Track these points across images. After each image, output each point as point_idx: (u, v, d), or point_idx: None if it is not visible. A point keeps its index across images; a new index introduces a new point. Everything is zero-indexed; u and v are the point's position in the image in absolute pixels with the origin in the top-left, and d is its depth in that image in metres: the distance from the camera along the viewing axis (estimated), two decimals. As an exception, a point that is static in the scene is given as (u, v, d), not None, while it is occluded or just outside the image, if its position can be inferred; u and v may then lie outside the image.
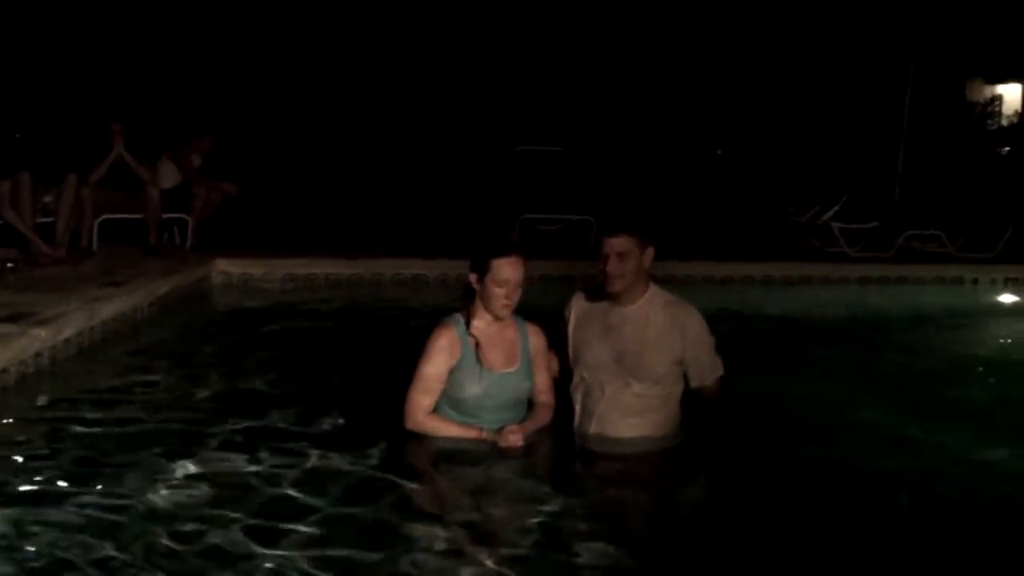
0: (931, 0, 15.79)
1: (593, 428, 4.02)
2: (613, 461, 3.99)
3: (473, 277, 3.91)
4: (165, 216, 8.70)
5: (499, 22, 15.54)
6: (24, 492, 3.46)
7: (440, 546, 3.15)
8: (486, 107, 15.37)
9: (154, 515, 3.29)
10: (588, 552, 3.14)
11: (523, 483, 3.72)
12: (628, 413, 3.98)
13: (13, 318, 5.33)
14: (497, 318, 3.92)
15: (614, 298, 3.99)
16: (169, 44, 13.51)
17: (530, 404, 4.08)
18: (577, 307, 4.19)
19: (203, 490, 3.52)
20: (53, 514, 3.26)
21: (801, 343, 6.98)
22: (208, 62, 13.79)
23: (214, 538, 3.13)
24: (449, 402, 3.95)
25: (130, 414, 4.47)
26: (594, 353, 4.03)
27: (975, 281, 9.81)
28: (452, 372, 3.90)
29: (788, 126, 16.03)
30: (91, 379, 5.14)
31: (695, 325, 4.01)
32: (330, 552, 3.06)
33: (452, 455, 3.86)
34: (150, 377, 5.24)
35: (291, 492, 3.54)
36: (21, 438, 4.13)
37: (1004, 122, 17.95)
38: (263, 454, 3.91)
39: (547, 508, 3.51)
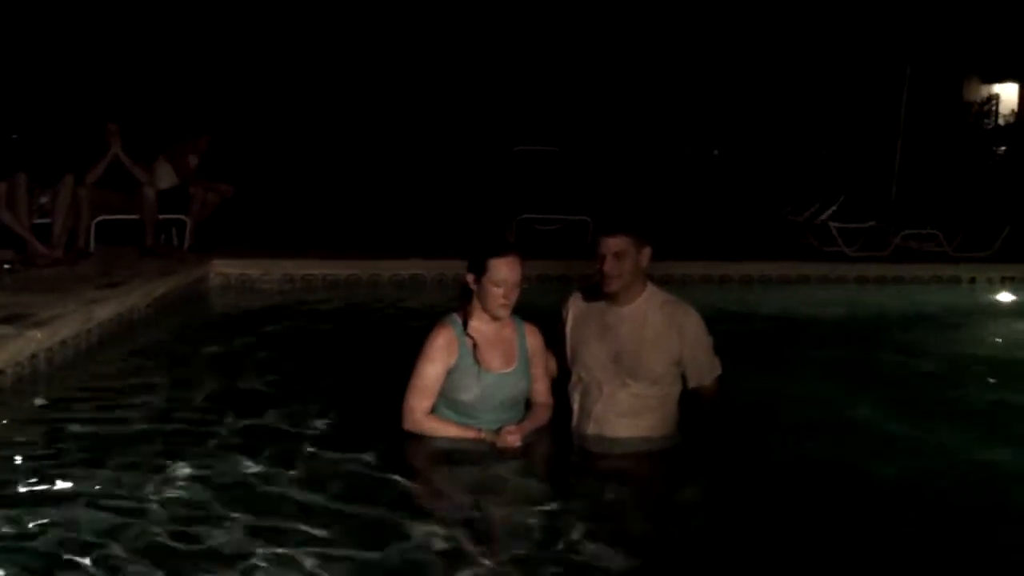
0: (928, 0, 15.82)
1: (591, 428, 4.02)
2: (611, 461, 3.99)
3: (470, 277, 3.91)
4: (162, 217, 8.69)
5: (496, 23, 15.54)
6: (21, 493, 3.46)
7: (438, 546, 3.15)
8: (483, 107, 15.37)
9: (151, 515, 3.29)
10: (586, 552, 3.13)
11: (521, 483, 3.72)
12: (626, 413, 3.98)
13: (9, 319, 5.32)
14: (495, 318, 3.92)
15: (611, 298, 3.99)
16: (166, 44, 13.50)
17: (528, 404, 4.08)
18: (574, 307, 4.18)
19: (200, 490, 3.52)
20: (50, 515, 3.26)
21: (799, 343, 6.98)
22: (205, 63, 13.78)
23: (210, 538, 3.13)
24: (447, 402, 3.94)
25: (127, 415, 4.46)
26: (592, 353, 4.03)
27: (972, 280, 9.82)
28: (450, 372, 3.90)
29: (785, 126, 16.05)
30: (88, 381, 5.14)
31: (693, 325, 4.01)
32: (327, 552, 3.06)
33: (450, 455, 3.85)
34: (147, 378, 5.23)
35: (288, 492, 3.54)
36: (18, 440, 4.13)
37: (1001, 121, 18.01)
38: (261, 455, 3.90)
39: (545, 508, 3.51)
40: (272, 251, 8.92)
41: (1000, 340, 7.78)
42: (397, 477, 3.69)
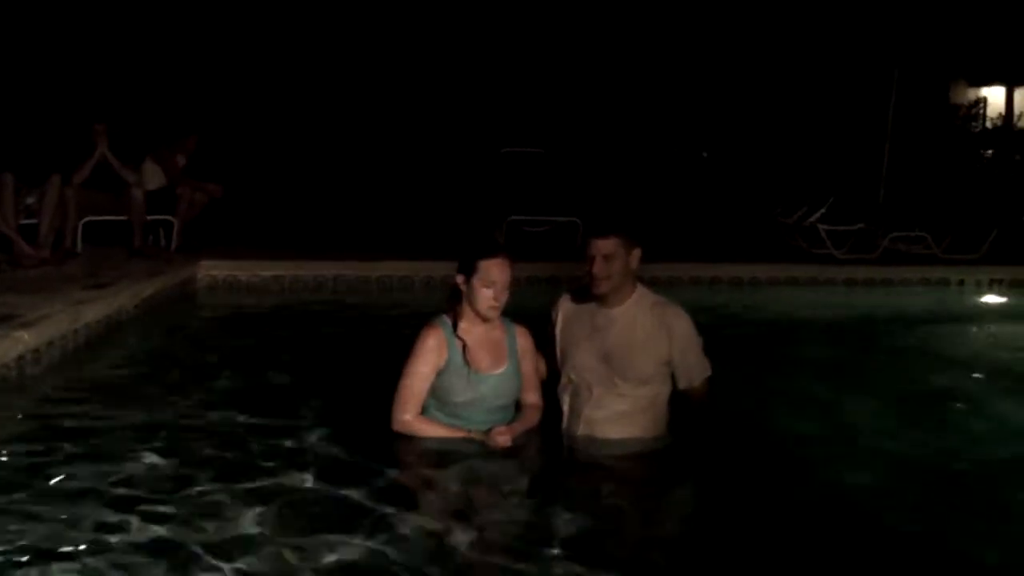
0: (915, 3, 15.88)
1: (581, 429, 4.02)
2: (601, 462, 3.98)
3: (460, 278, 3.90)
4: (150, 218, 8.66)
5: (485, 24, 15.53)
6: (8, 496, 3.42)
7: (426, 546, 3.14)
8: (470, 109, 15.37)
9: (139, 515, 3.26)
10: (576, 554, 3.12)
11: (511, 485, 3.71)
12: (616, 414, 3.97)
13: (-4, 320, 5.28)
14: (484, 319, 3.91)
15: (601, 299, 3.98)
16: (153, 44, 13.45)
17: (518, 406, 4.07)
18: (564, 308, 4.18)
19: (188, 491, 3.49)
20: (36, 514, 3.23)
21: (788, 344, 6.99)
22: (193, 63, 13.74)
23: (198, 535, 3.11)
24: (436, 404, 3.93)
25: (115, 416, 4.43)
26: (582, 354, 4.02)
27: (960, 282, 9.85)
28: (440, 374, 3.88)
29: (774, 128, 16.09)
30: (75, 382, 5.10)
31: (683, 326, 4.01)
32: (316, 551, 3.04)
33: (439, 457, 3.84)
34: (135, 380, 5.21)
35: (277, 491, 3.52)
36: (4, 441, 4.09)
37: (988, 124, 18.10)
38: (249, 456, 3.89)
39: (535, 510, 3.50)
40: (260, 252, 8.90)
41: (989, 342, 7.81)
42: (386, 479, 3.67)
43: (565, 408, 4.07)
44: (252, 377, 5.22)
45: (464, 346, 3.89)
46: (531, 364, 4.09)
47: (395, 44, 15.34)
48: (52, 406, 4.63)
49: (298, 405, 4.58)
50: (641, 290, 4.04)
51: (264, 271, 8.41)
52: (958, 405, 5.37)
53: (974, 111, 18.39)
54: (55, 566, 2.91)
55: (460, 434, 3.89)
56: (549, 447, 4.01)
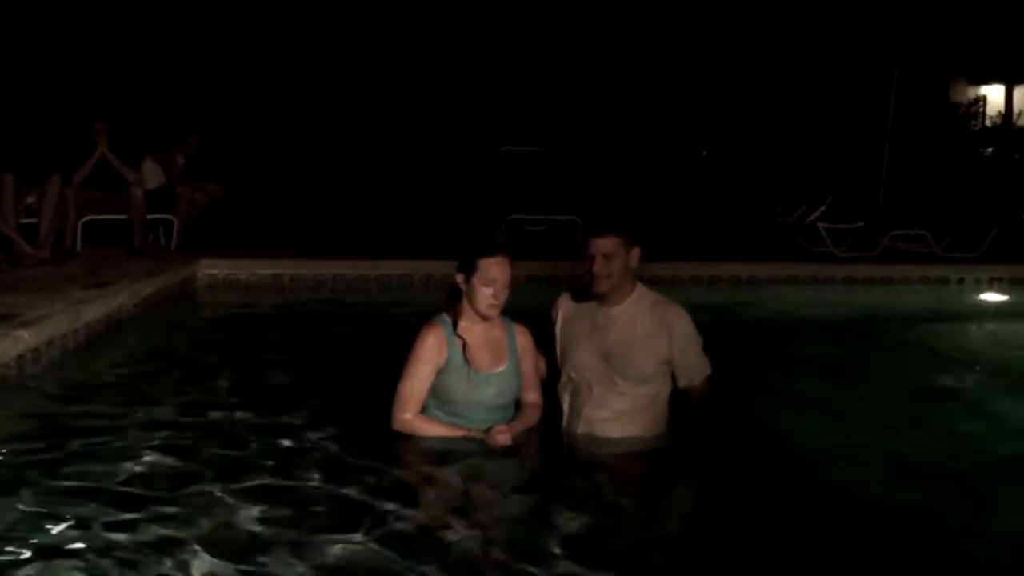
0: (915, 3, 15.88)
1: (581, 428, 4.02)
2: (601, 461, 3.98)
3: (460, 277, 3.90)
4: (150, 217, 8.66)
5: (485, 23, 15.53)
6: (8, 495, 3.42)
7: (427, 545, 3.14)
8: (472, 108, 15.37)
9: (139, 513, 3.26)
10: (576, 553, 3.12)
11: (511, 484, 3.71)
12: (616, 413, 3.98)
13: (-4, 320, 5.28)
14: (484, 318, 3.91)
15: (601, 298, 3.98)
16: (153, 44, 13.45)
17: (518, 404, 4.07)
18: (564, 307, 4.18)
19: (188, 489, 3.49)
20: (36, 513, 3.23)
21: (788, 343, 6.99)
22: (193, 62, 13.74)
23: (198, 534, 3.10)
24: (437, 403, 3.93)
25: (115, 415, 4.43)
26: (581, 353, 4.02)
27: (960, 281, 9.85)
28: (440, 373, 3.89)
29: (774, 127, 16.09)
30: (75, 381, 5.10)
31: (683, 325, 4.01)
32: (315, 549, 3.04)
33: (439, 456, 3.84)
34: (135, 379, 5.20)
35: (276, 492, 3.52)
36: (3, 440, 4.09)
37: (987, 123, 18.09)
38: (249, 455, 3.89)
39: (535, 508, 3.50)
40: (260, 251, 8.90)
41: (988, 340, 7.81)
42: (386, 477, 3.66)
43: (565, 407, 4.07)
44: (252, 376, 5.22)
45: (464, 345, 3.89)
46: (531, 363, 4.09)
47: (395, 44, 15.34)
48: (52, 405, 4.63)
49: (298, 404, 4.58)
50: (641, 289, 4.04)
51: (264, 270, 8.41)
52: (958, 403, 5.38)
53: (974, 109, 18.40)
54: (55, 565, 2.91)
55: (460, 433, 3.89)
56: (549, 446, 4.01)
